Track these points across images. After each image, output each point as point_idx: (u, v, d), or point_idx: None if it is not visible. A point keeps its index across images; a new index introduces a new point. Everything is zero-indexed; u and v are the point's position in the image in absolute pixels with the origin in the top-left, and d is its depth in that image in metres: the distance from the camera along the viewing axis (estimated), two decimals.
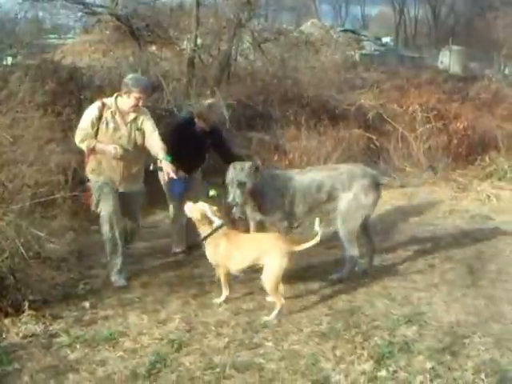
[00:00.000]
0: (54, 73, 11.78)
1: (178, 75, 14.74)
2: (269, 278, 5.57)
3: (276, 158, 11.72)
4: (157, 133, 6.60)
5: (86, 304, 6.00)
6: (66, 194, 7.13)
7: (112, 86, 11.98)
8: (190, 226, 6.79)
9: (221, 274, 5.99)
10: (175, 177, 6.40)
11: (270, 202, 6.64)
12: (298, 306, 5.94)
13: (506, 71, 27.59)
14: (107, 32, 16.92)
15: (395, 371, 4.67)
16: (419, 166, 12.17)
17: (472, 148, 13.12)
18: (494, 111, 14.28)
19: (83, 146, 6.44)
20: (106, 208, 6.50)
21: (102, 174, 6.52)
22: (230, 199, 6.45)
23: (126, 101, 6.46)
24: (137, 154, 6.62)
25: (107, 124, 6.43)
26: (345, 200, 6.63)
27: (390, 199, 10.53)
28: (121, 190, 6.59)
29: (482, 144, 13.35)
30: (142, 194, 6.96)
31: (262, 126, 14.52)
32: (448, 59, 29.37)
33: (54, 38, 19.43)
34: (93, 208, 6.62)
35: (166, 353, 4.94)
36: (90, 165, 6.55)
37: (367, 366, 4.73)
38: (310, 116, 13.03)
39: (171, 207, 7.69)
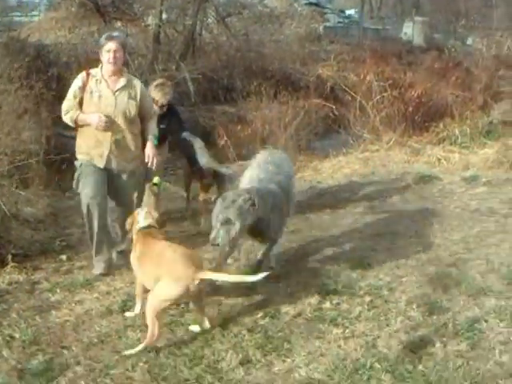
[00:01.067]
0: (21, 51, 12.18)
1: (144, 51, 15.20)
2: (149, 303, 4.61)
3: (239, 127, 12.30)
4: (152, 110, 6.45)
5: (63, 257, 6.62)
6: (40, 162, 7.73)
7: (78, 63, 12.49)
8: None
9: (136, 284, 5.20)
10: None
11: (275, 232, 5.89)
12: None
13: (469, 41, 28.19)
14: (73, 9, 17.28)
15: (338, 303, 5.36)
16: (377, 133, 12.79)
17: (427, 115, 13.73)
18: (448, 80, 14.91)
19: (68, 119, 6.06)
20: (84, 192, 6.05)
21: (89, 152, 6.07)
22: (210, 238, 5.18)
23: (106, 63, 6.02)
24: (128, 126, 6.09)
25: (91, 93, 6.00)
26: None
27: (347, 164, 11.18)
28: (110, 166, 6.07)
29: (437, 111, 13.98)
30: (138, 177, 6.36)
31: (227, 99, 15.08)
32: (411, 30, 29.87)
33: (19, 16, 19.70)
34: (74, 186, 6.25)
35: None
36: (77, 143, 6.18)
37: (313, 300, 5.41)
38: (274, 88, 13.55)
39: None
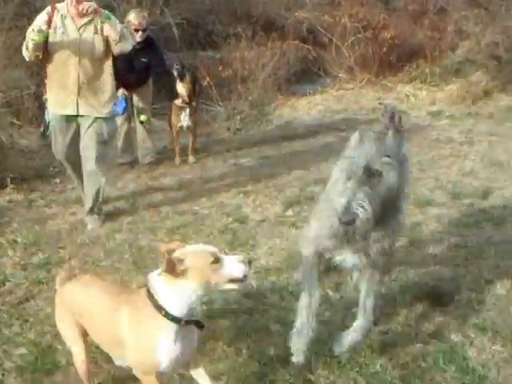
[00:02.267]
0: None
1: None
2: None
3: (220, 68, 12.90)
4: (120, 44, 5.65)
5: (57, 180, 7.37)
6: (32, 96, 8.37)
7: None
8: (136, 139, 8.13)
9: None
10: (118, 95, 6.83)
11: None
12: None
13: None
14: None
15: (299, 211, 6.13)
16: (352, 73, 13.42)
17: (402, 56, 14.35)
18: (422, 21, 15.46)
19: (27, 54, 5.57)
20: (55, 148, 5.97)
21: (57, 100, 5.73)
22: (341, 210, 2.99)
23: None
24: (97, 65, 5.71)
25: (56, 29, 5.53)
26: None
27: (322, 101, 11.89)
28: (79, 112, 5.72)
29: (411, 52, 14.60)
30: (108, 126, 5.94)
31: (210, 44, 15.52)
32: None
33: None
34: (45, 134, 6.09)
35: (124, 205, 6.32)
36: (47, 90, 5.84)
37: (278, 209, 6.18)
38: (256, 32, 14.07)
39: (118, 120, 7.73)
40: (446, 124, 9.90)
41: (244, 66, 12.56)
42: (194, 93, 8.27)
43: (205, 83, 11.96)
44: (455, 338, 3.90)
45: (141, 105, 8.02)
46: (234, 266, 2.84)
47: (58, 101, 5.70)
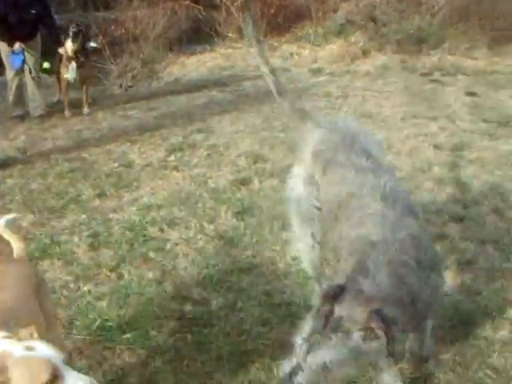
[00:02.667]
0: None
1: None
2: None
3: (113, 28, 13.06)
4: None
5: None
6: None
7: None
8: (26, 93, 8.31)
9: None
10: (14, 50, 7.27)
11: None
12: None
13: None
14: None
15: (181, 156, 6.61)
16: (240, 33, 13.86)
17: (289, 17, 14.92)
18: None
19: None
20: None
21: None
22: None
23: None
24: None
25: None
26: None
27: (211, 59, 12.34)
28: None
29: (297, 14, 15.18)
30: None
31: (104, 5, 15.51)
32: None
33: None
34: None
35: (16, 153, 6.57)
36: None
37: (161, 155, 6.64)
38: None
39: (9, 74, 8.24)
40: (324, 80, 10.52)
41: (136, 25, 12.78)
42: (82, 48, 8.52)
43: (98, 42, 12.17)
44: None
45: (33, 56, 8.22)
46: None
47: None
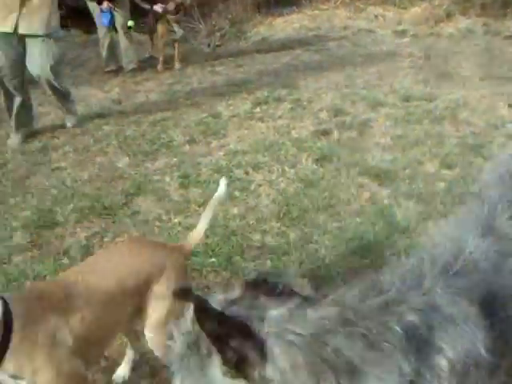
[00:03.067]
0: None
1: None
2: None
3: None
4: None
5: None
6: None
7: None
8: (119, 47, 8.81)
9: None
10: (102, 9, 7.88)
11: None
12: None
13: None
14: None
15: (266, 109, 6.96)
16: None
17: None
18: None
19: None
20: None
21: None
22: None
23: None
24: None
25: None
26: None
27: (298, 20, 12.59)
28: (20, 31, 5.63)
29: None
30: (51, 44, 5.90)
31: None
32: None
33: None
34: None
35: (111, 104, 7.06)
36: None
37: (247, 107, 7.01)
38: None
39: (101, 31, 8.82)
40: (408, 41, 10.66)
41: None
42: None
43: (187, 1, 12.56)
44: (387, 201, 4.76)
45: (121, 15, 8.75)
46: None
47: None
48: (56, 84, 6.12)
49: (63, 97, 6.43)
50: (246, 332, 1.36)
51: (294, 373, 1.35)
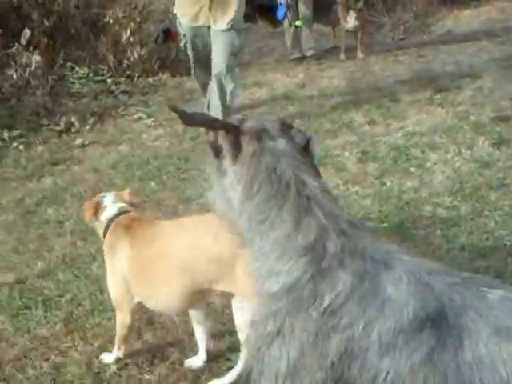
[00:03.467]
0: None
1: None
2: None
3: None
4: None
5: None
6: None
7: None
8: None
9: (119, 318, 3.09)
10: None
11: None
12: None
13: None
14: None
15: (446, 96, 7.07)
16: None
17: None
18: None
19: None
20: (189, 53, 6.47)
21: (186, 11, 6.18)
22: None
23: None
24: None
25: None
26: None
27: (485, 12, 12.43)
28: (210, 24, 6.09)
29: None
30: (237, 38, 6.15)
31: None
32: None
33: None
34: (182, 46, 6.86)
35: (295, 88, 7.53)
36: (179, 8, 6.31)
37: (427, 94, 7.17)
38: None
39: (286, 22, 9.33)
40: None
41: None
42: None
43: None
44: None
45: (303, 10, 9.33)
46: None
47: (191, 13, 6.06)
48: (230, 79, 6.18)
49: (224, 95, 6.24)
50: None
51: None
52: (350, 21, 9.25)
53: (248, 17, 12.65)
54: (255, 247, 1.76)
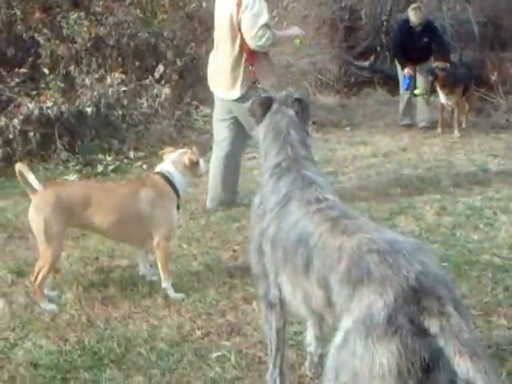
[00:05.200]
0: None
1: None
2: None
3: (508, 65, 14.26)
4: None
5: (347, 128, 9.66)
6: None
7: None
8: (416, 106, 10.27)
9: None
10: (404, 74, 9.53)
11: None
12: None
13: None
14: None
15: None
16: None
17: None
18: None
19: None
20: None
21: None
22: None
23: None
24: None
25: None
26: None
27: None
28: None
29: None
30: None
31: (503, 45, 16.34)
32: None
33: None
34: None
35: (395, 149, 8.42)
36: (264, 79, 5.84)
37: None
38: None
39: (402, 89, 10.37)
40: None
41: None
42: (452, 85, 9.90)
43: (493, 78, 13.46)
44: None
45: (420, 79, 10.21)
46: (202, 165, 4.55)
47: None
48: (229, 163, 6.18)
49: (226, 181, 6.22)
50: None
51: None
52: (442, 97, 10.02)
53: (368, 83, 13.86)
54: (263, 163, 3.11)
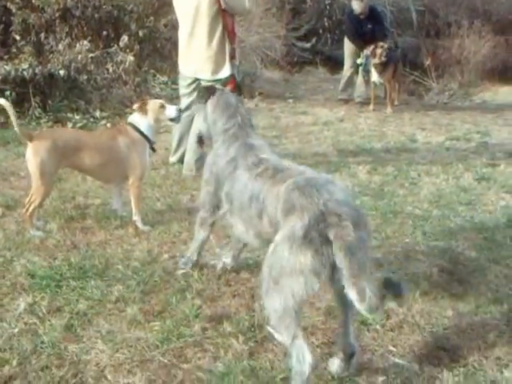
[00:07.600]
0: None
1: None
2: None
3: (441, 52, 15.11)
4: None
5: (290, 100, 10.33)
6: None
7: None
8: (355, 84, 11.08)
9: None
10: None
11: None
12: None
13: None
14: None
15: (455, 144, 8.50)
16: None
17: None
18: None
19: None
20: None
21: None
22: None
23: None
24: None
25: None
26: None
27: None
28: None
29: None
30: None
31: (437, 33, 17.12)
32: None
33: None
34: None
35: (331, 118, 9.11)
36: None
37: (440, 139, 8.61)
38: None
39: (345, 69, 11.35)
40: None
41: (461, 52, 14.74)
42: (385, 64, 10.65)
43: (427, 63, 14.26)
44: None
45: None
46: (172, 110, 5.01)
47: None
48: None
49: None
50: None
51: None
52: (374, 76, 10.77)
53: (309, 63, 14.58)
54: (212, 129, 4.01)
